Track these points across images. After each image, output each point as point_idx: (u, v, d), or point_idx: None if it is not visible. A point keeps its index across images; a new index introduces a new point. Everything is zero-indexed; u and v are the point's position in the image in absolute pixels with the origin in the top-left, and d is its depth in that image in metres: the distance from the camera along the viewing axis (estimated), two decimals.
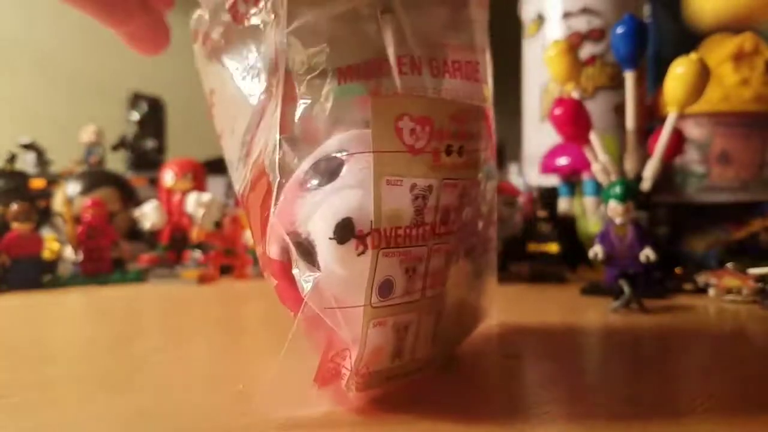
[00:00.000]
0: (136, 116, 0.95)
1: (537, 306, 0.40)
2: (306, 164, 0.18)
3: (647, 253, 0.37)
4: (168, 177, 0.73)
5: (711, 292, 0.41)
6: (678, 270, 0.46)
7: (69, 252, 0.60)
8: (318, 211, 0.17)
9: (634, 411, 0.18)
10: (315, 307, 0.17)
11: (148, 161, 0.93)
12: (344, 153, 0.17)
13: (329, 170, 0.17)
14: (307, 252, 0.17)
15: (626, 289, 0.36)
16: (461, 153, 0.19)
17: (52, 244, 0.59)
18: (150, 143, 0.94)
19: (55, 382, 0.23)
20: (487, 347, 0.28)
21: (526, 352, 0.27)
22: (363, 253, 0.16)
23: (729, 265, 0.42)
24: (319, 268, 0.17)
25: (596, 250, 0.39)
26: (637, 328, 0.32)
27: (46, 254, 0.57)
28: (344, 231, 0.16)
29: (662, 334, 0.31)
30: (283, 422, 0.17)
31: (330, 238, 0.16)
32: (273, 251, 0.18)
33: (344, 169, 0.17)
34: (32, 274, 0.54)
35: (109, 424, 0.18)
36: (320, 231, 0.17)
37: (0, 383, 0.23)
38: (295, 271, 0.17)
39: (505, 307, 0.36)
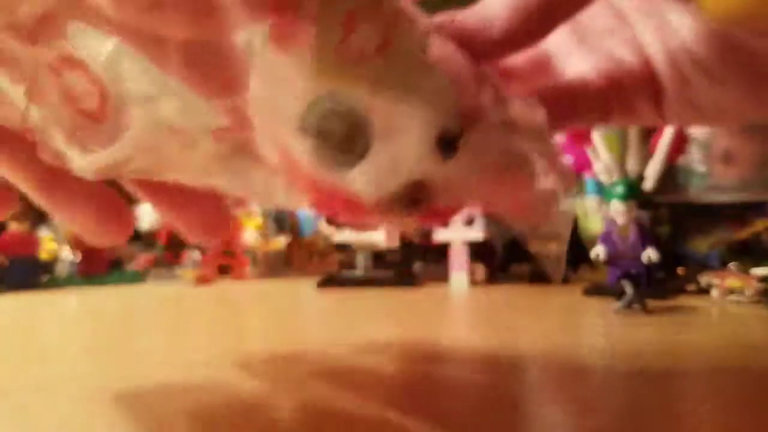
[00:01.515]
0: None
1: (538, 306, 0.39)
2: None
3: (650, 254, 0.37)
4: None
5: (714, 292, 0.40)
6: (680, 270, 0.45)
7: (66, 252, 0.60)
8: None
9: (635, 412, 0.18)
10: None
11: None
12: None
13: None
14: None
15: (629, 289, 0.36)
16: None
17: (49, 244, 0.59)
18: None
19: (53, 382, 0.23)
20: (486, 347, 0.28)
21: (527, 352, 0.27)
22: None
23: (732, 265, 0.42)
24: None
25: (598, 251, 0.39)
26: (640, 329, 0.31)
27: (44, 255, 0.57)
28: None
29: (665, 334, 0.30)
30: (284, 423, 0.17)
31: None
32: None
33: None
34: (30, 274, 0.53)
35: (108, 424, 0.18)
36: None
37: None
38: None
39: (506, 307, 0.35)
